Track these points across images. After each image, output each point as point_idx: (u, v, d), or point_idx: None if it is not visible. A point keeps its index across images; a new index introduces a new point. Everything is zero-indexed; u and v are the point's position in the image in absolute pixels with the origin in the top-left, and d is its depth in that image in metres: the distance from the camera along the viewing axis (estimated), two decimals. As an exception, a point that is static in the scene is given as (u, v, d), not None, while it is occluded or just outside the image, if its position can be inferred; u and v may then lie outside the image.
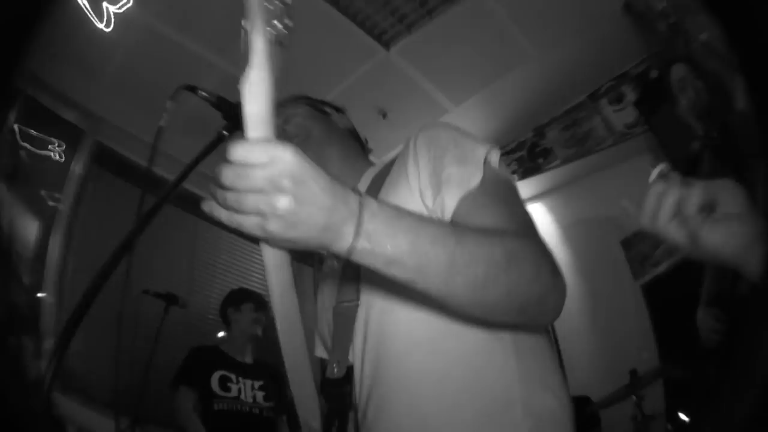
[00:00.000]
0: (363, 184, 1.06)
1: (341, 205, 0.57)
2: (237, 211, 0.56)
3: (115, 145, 3.28)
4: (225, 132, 1.16)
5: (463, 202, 0.79)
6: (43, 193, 3.20)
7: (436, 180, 0.83)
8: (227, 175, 0.55)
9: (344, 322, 0.92)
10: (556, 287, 0.71)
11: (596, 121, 3.27)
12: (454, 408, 0.78)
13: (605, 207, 3.20)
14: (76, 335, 0.88)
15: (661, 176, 0.66)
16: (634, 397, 2.58)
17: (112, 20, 2.81)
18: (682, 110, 2.87)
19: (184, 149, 2.89)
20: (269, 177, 0.54)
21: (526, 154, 3.42)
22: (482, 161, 0.83)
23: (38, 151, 3.19)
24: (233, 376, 2.46)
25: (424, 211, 0.83)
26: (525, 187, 3.46)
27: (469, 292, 0.65)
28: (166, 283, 2.90)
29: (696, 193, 0.62)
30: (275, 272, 0.65)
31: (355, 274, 0.92)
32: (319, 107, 1.24)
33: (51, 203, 3.21)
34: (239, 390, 2.44)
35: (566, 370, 3.27)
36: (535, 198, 3.56)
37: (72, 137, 3.22)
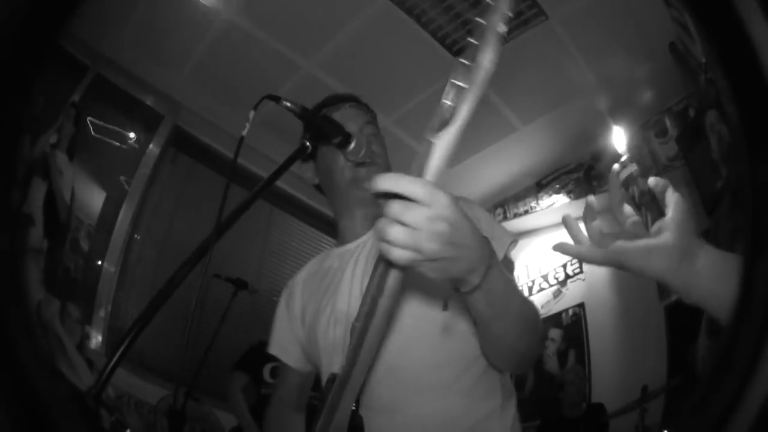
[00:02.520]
0: None
1: (481, 250, 0.67)
2: (393, 244, 0.60)
3: (194, 130, 3.41)
4: (307, 143, 1.14)
5: None
6: (113, 168, 3.32)
7: None
8: (393, 207, 0.60)
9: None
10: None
11: (644, 152, 3.50)
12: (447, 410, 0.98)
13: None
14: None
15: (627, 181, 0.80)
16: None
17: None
18: (713, 151, 3.10)
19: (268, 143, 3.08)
20: (429, 216, 0.59)
21: (583, 176, 3.66)
22: (507, 245, 1.04)
23: (111, 130, 3.31)
24: None
25: None
26: (578, 207, 3.69)
27: (515, 338, 0.86)
28: (238, 267, 3.06)
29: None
30: (391, 297, 0.69)
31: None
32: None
33: (122, 179, 3.33)
34: None
35: (592, 378, 3.51)
36: (584, 217, 3.74)
37: (149, 120, 3.35)
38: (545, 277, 3.69)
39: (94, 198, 3.24)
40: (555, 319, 3.54)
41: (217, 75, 3.29)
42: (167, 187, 3.30)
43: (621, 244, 0.72)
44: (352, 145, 1.14)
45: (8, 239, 0.43)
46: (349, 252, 1.18)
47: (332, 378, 0.82)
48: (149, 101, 3.36)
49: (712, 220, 2.86)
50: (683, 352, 3.12)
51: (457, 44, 3.20)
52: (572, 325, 3.53)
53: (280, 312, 1.25)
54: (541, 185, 3.76)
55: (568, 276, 3.67)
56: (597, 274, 3.55)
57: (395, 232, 0.59)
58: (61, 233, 3.00)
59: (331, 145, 1.15)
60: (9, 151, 0.41)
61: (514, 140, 3.43)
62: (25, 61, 0.41)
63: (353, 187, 1.17)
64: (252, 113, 1.20)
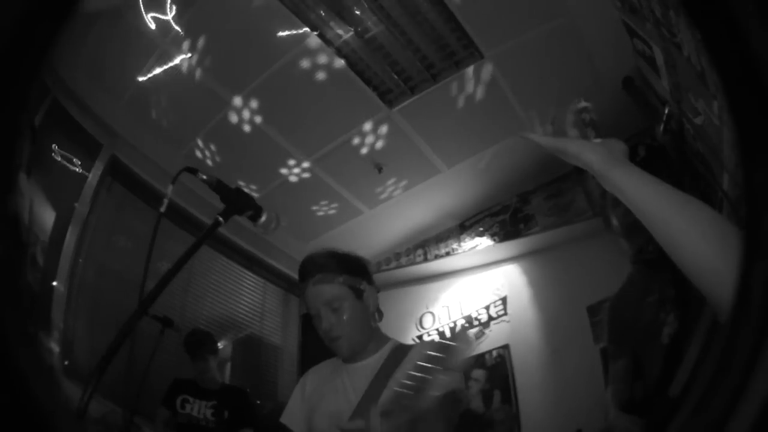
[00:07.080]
0: (384, 353, 1.43)
1: None
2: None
3: (129, 161, 3.49)
4: (221, 218, 1.22)
5: None
6: (62, 189, 3.41)
7: None
8: None
9: None
10: None
11: (578, 194, 3.45)
12: None
13: (577, 274, 3.39)
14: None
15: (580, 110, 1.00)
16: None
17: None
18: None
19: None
20: None
21: (509, 218, 3.63)
22: None
23: (60, 154, 3.40)
24: (191, 399, 3.09)
25: None
26: (504, 249, 3.67)
27: None
28: (164, 301, 3.18)
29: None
30: None
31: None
32: (356, 286, 1.43)
33: (69, 199, 3.42)
34: (191, 408, 3.06)
35: (521, 419, 3.50)
36: (512, 259, 3.75)
37: (91, 147, 3.44)
38: (467, 319, 3.68)
39: (47, 215, 3.34)
40: (478, 359, 3.54)
41: (151, 107, 3.35)
42: (103, 214, 3.40)
43: (565, 137, 0.98)
44: (263, 218, 1.27)
45: (6, 245, 0.44)
46: (354, 369, 1.45)
47: None
48: (90, 128, 3.44)
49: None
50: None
51: (384, 85, 3.20)
52: (496, 366, 3.51)
53: (297, 391, 1.53)
54: (464, 227, 3.74)
55: (491, 317, 3.64)
56: (522, 316, 3.53)
57: None
58: (23, 251, 3.09)
59: (243, 216, 1.27)
60: (7, 157, 0.41)
61: (438, 182, 3.42)
62: (22, 66, 0.42)
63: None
64: (171, 187, 1.32)
